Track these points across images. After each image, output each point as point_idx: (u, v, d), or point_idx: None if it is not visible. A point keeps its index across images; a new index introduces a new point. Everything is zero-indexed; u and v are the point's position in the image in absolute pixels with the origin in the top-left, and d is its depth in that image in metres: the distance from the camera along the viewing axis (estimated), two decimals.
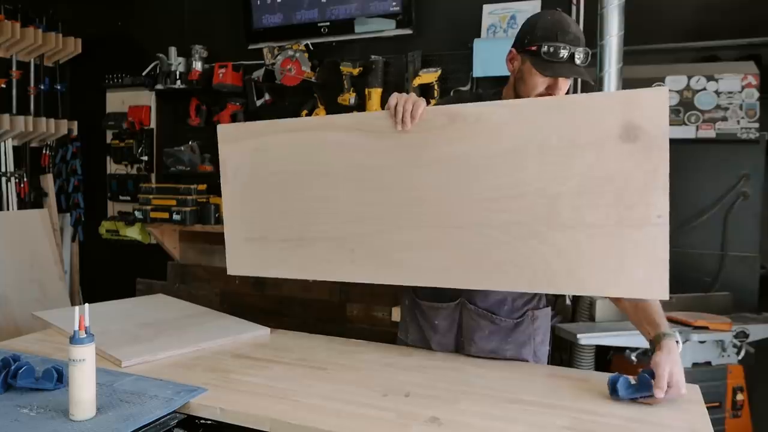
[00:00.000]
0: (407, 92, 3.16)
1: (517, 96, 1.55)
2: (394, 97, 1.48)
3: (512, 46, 1.55)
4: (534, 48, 1.46)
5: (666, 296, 1.25)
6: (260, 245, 1.67)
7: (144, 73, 3.72)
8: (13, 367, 1.28)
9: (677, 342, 1.31)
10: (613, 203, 1.26)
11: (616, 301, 1.47)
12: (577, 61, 1.44)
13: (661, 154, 1.23)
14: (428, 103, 3.16)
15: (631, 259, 1.26)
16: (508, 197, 1.36)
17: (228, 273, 1.73)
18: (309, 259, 1.60)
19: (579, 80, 2.64)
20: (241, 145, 1.66)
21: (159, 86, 3.65)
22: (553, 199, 1.32)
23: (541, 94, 1.49)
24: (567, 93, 1.51)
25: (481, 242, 1.39)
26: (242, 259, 1.71)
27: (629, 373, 1.33)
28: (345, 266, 1.55)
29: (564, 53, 1.43)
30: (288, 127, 1.61)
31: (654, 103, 1.22)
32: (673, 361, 1.27)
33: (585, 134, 1.28)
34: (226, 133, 1.69)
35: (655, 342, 1.33)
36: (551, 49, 1.43)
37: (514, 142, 1.35)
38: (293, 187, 1.61)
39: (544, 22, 1.49)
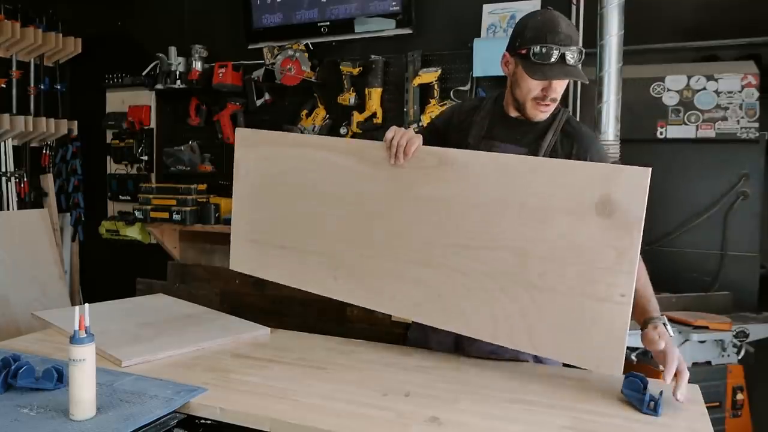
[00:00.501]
0: (407, 92, 3.19)
1: (515, 99, 1.54)
2: (392, 131, 1.50)
3: (506, 50, 1.54)
4: (524, 51, 1.45)
5: (619, 373, 1.26)
6: (259, 247, 1.76)
7: (144, 73, 3.72)
8: (13, 367, 1.28)
9: (664, 324, 1.33)
10: (579, 274, 1.28)
11: None
12: (570, 61, 1.42)
13: (632, 236, 1.22)
14: (428, 103, 3.19)
15: (589, 331, 1.27)
16: (481, 247, 1.39)
17: (230, 268, 1.83)
18: (298, 269, 1.68)
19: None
20: (254, 151, 1.76)
21: (159, 86, 3.65)
22: (523, 258, 1.34)
23: (536, 97, 1.48)
24: (566, 93, 1.51)
25: (450, 285, 1.43)
26: (242, 257, 1.81)
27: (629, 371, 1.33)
28: (329, 282, 1.62)
29: (554, 54, 1.41)
30: (297, 141, 1.71)
31: (634, 182, 1.22)
32: (660, 333, 1.30)
33: (563, 201, 1.30)
34: (243, 136, 1.80)
35: (643, 328, 1.36)
36: (542, 50, 1.42)
37: (495, 195, 1.37)
38: (292, 199, 1.68)
39: (534, 23, 1.48)
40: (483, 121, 1.63)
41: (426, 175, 1.46)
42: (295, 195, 1.67)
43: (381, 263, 1.53)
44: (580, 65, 1.47)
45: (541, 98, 1.48)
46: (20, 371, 1.27)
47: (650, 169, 1.21)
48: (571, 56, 1.42)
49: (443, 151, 1.46)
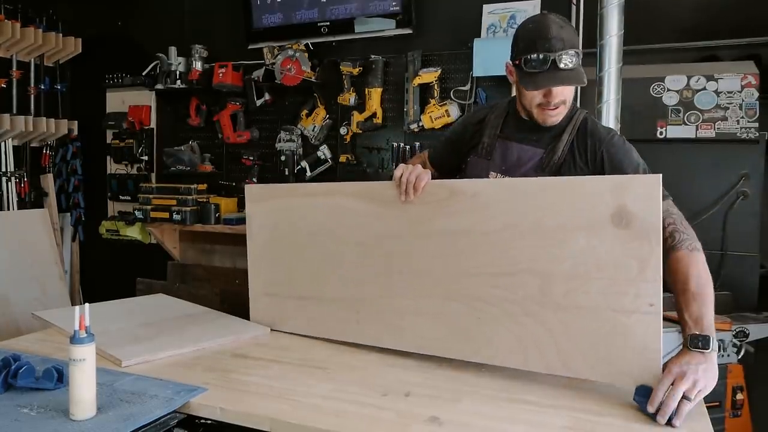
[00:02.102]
0: (407, 92, 3.19)
1: (523, 106, 1.55)
2: (400, 169, 1.50)
3: (509, 59, 1.55)
4: (518, 61, 1.46)
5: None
6: (277, 300, 1.77)
7: (144, 73, 3.73)
8: (13, 367, 1.28)
9: (708, 351, 1.16)
10: (604, 289, 1.26)
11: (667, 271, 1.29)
12: (564, 66, 1.40)
13: (652, 244, 1.21)
14: (428, 103, 3.18)
15: (622, 345, 1.25)
16: (502, 274, 1.38)
17: (251, 320, 1.82)
18: (319, 318, 1.69)
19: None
20: (265, 205, 1.77)
21: (159, 86, 3.65)
22: (546, 279, 1.32)
23: (541, 104, 1.48)
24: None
25: (475, 316, 1.42)
26: (262, 312, 1.82)
27: None
28: (351, 327, 1.62)
29: (547, 62, 1.40)
30: (305, 191, 1.73)
31: (647, 190, 1.22)
32: (687, 372, 1.14)
33: (578, 217, 1.29)
34: (253, 192, 1.81)
35: (683, 344, 1.22)
36: (533, 59, 1.41)
37: (508, 219, 1.37)
38: (307, 249, 1.69)
39: (525, 32, 1.48)
40: (497, 120, 1.64)
41: (438, 209, 1.46)
42: (309, 244, 1.68)
43: (402, 302, 1.53)
44: (579, 67, 1.45)
45: (546, 104, 1.47)
46: (20, 371, 1.27)
47: (660, 175, 1.21)
48: (563, 61, 1.40)
49: (453, 183, 1.46)
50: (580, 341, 1.30)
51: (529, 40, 1.44)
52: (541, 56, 1.40)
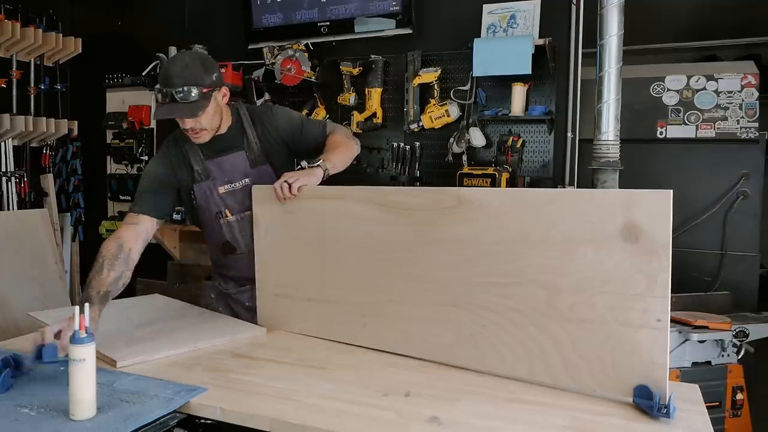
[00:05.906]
0: (407, 92, 3.18)
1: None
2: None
3: None
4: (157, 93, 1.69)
5: (665, 401, 1.21)
6: (285, 301, 1.77)
7: (144, 73, 3.72)
8: (35, 347, 1.36)
9: (321, 168, 1.67)
10: (611, 303, 1.25)
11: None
12: (182, 99, 1.62)
13: (661, 260, 1.20)
14: (428, 103, 3.17)
15: (628, 360, 1.24)
16: (508, 284, 1.37)
17: (258, 324, 1.81)
18: (326, 320, 1.69)
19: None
20: (272, 207, 1.76)
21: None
22: (552, 292, 1.32)
23: (185, 129, 1.72)
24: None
25: (481, 325, 1.41)
26: (270, 313, 1.81)
27: None
28: (358, 331, 1.62)
29: (167, 96, 1.64)
30: (311, 194, 1.70)
31: (657, 205, 1.20)
32: (304, 173, 1.64)
33: (586, 230, 1.27)
34: (260, 193, 1.80)
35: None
36: (159, 95, 1.66)
37: (516, 230, 1.36)
38: (314, 251, 1.69)
39: (162, 69, 1.77)
40: (193, 147, 1.82)
41: (445, 217, 1.45)
42: (316, 247, 1.68)
43: (408, 308, 1.52)
44: (199, 100, 1.64)
45: (189, 131, 1.72)
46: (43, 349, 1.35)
47: (671, 191, 1.19)
48: (178, 95, 1.62)
49: (460, 192, 1.45)
50: (587, 354, 1.28)
51: (161, 77, 1.68)
52: (163, 91, 1.64)
